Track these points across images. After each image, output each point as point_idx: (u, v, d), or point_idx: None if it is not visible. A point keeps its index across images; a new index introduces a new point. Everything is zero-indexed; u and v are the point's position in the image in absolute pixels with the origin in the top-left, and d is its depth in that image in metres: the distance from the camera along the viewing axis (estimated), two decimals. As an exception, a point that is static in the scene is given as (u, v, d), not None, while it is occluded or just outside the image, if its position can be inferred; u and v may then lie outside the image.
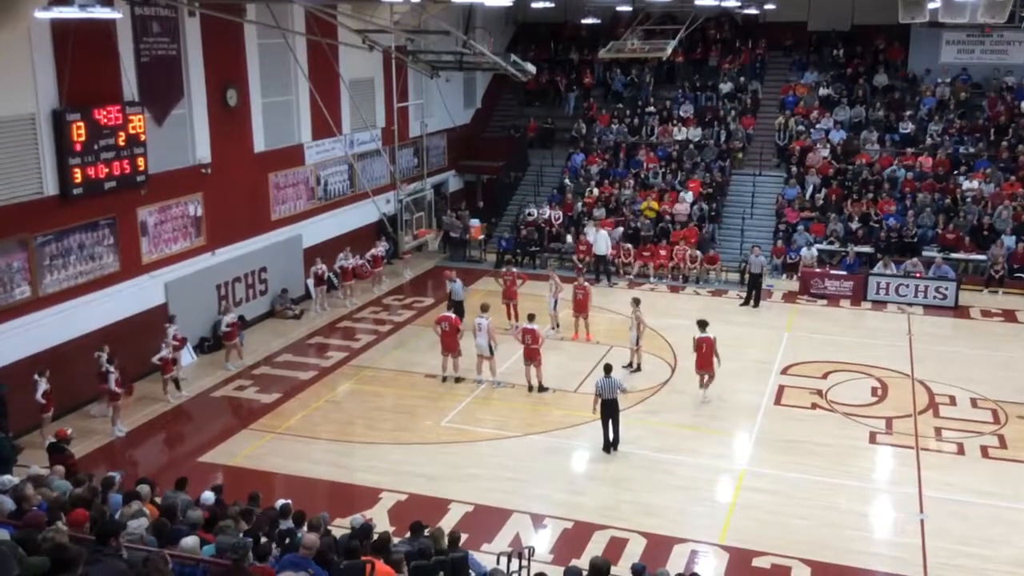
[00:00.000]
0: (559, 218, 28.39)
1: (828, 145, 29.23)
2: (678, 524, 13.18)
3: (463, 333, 18.63)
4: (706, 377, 17.51)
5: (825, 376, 18.80)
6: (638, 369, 18.96)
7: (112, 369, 16.13)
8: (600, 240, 25.95)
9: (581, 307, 20.81)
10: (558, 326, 21.25)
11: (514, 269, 22.91)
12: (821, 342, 20.88)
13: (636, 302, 19.15)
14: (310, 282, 23.77)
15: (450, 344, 18.40)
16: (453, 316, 18.52)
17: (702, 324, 17.67)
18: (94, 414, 16.83)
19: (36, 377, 15.31)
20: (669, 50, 26.22)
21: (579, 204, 28.73)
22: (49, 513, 8.38)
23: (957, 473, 14.80)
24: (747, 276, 24.12)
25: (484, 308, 18.54)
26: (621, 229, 27.28)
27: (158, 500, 10.26)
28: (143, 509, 9.15)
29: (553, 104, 33.83)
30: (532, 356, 17.96)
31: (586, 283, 21.49)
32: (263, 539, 8.86)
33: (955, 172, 27.73)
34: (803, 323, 22.44)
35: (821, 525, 13.15)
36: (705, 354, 17.37)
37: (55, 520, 8.12)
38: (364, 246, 24.93)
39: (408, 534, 10.32)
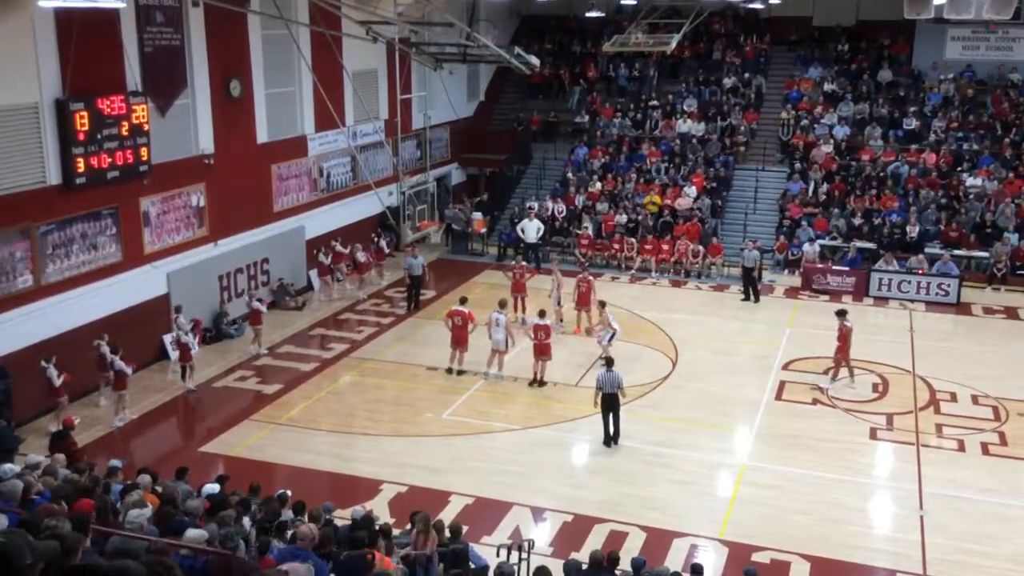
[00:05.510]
0: (562, 211, 28.36)
1: (832, 140, 29.17)
2: (678, 518, 13.21)
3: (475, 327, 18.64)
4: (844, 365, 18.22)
5: (826, 372, 18.79)
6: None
7: (118, 357, 16.10)
8: (530, 229, 26.18)
9: (584, 300, 20.80)
10: (562, 320, 21.23)
11: (523, 263, 22.88)
12: (823, 338, 20.83)
13: (602, 304, 19.10)
14: (313, 273, 23.75)
15: (460, 338, 18.42)
16: (466, 311, 18.45)
17: (842, 313, 18.43)
18: (102, 404, 16.76)
19: (43, 364, 15.31)
20: (673, 44, 26.20)
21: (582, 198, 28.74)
22: (53, 502, 8.37)
23: (957, 469, 14.80)
24: (741, 271, 24.10)
25: (502, 304, 18.59)
26: (625, 218, 27.31)
27: (159, 489, 10.27)
28: (144, 499, 9.16)
29: (556, 97, 33.78)
30: (544, 351, 17.93)
31: (590, 276, 21.50)
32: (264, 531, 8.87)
33: (958, 169, 27.67)
34: (805, 319, 22.42)
35: (821, 520, 13.16)
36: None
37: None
38: (365, 238, 24.92)
39: (408, 525, 10.34)
